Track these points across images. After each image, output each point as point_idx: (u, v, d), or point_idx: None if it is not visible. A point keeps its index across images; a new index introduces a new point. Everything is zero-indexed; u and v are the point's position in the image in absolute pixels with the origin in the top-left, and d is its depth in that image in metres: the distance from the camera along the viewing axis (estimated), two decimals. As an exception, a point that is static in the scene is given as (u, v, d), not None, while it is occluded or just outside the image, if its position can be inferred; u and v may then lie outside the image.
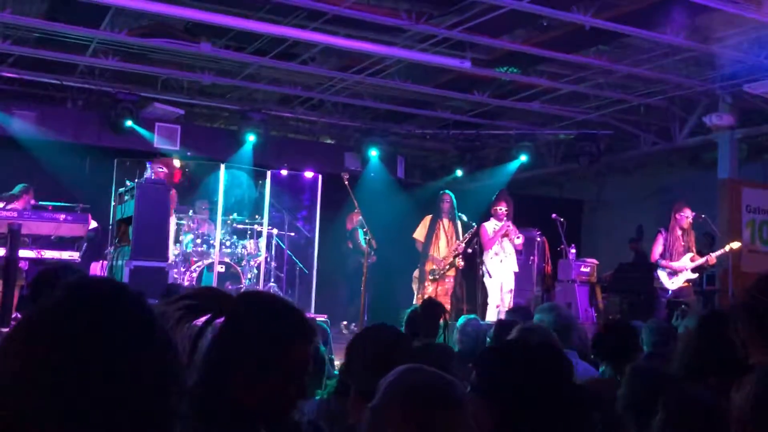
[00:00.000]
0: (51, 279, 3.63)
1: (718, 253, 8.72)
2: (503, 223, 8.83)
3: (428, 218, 9.20)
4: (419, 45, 8.72)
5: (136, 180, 8.60)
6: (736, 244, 8.79)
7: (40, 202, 9.30)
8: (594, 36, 8.10)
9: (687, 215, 8.61)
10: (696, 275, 8.73)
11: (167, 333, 1.06)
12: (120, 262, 8.27)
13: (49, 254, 8.34)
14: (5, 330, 5.22)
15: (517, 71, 9.78)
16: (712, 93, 10.00)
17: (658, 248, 8.72)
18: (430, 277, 8.81)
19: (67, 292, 1.01)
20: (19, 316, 6.61)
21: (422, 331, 4.26)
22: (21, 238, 8.15)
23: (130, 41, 8.96)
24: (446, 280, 8.92)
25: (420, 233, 9.17)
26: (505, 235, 8.82)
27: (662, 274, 8.70)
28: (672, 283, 8.64)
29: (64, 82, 10.59)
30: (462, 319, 5.07)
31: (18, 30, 8.99)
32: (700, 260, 8.60)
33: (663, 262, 8.64)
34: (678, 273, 8.59)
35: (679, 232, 8.62)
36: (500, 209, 8.89)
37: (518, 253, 9.05)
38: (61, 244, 8.68)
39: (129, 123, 10.59)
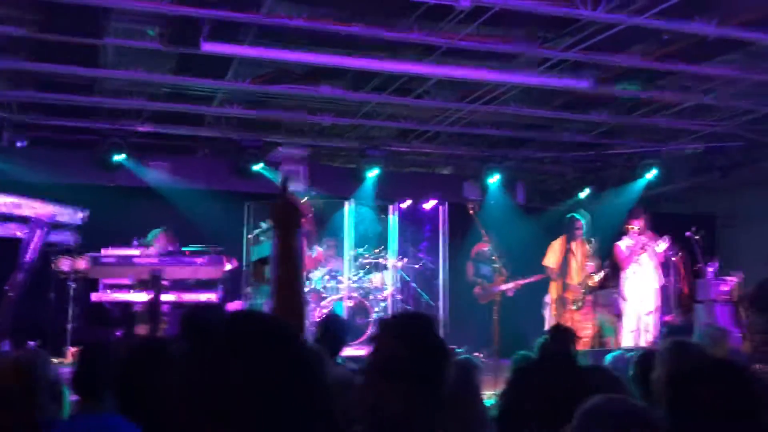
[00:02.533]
0: (199, 319, 3.80)
1: None
2: (637, 239, 8.57)
3: (557, 244, 9.03)
4: (535, 69, 8.66)
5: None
6: None
7: (175, 247, 9.77)
8: (717, 46, 7.80)
9: None
10: None
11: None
12: (259, 301, 8.53)
13: (188, 297, 8.74)
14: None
15: (637, 88, 9.53)
16: None
17: None
18: (573, 307, 8.60)
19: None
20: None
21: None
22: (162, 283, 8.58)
23: (253, 89, 9.36)
24: (585, 305, 8.72)
25: (551, 260, 9.01)
26: (643, 249, 8.52)
27: None
28: None
29: (194, 132, 11.15)
30: (610, 356, 4.88)
31: (150, 86, 9.57)
32: None
33: None
34: None
35: None
36: (632, 227, 8.62)
37: (664, 267, 8.71)
38: (199, 286, 9.07)
39: (256, 167, 11.01)
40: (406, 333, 2.08)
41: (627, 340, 8.17)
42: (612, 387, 2.91)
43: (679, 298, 9.79)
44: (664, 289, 9.54)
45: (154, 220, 10.46)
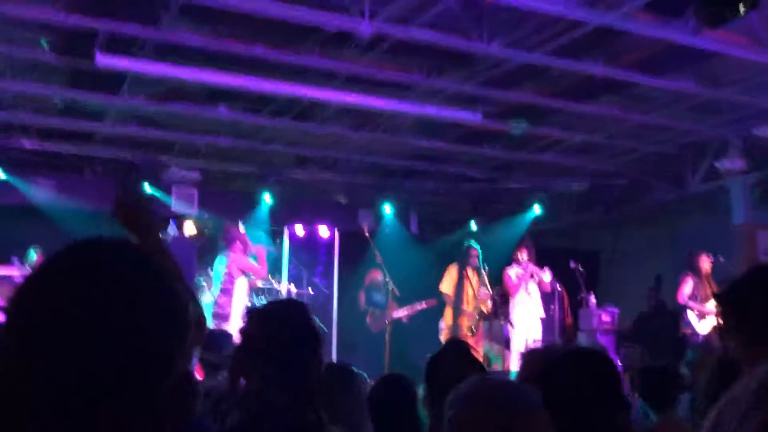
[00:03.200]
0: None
1: None
2: (525, 268, 8.86)
3: (453, 270, 9.21)
4: (431, 100, 8.88)
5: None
6: None
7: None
8: (604, 85, 8.23)
9: (708, 260, 8.74)
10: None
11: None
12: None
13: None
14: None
15: (527, 124, 9.90)
16: (722, 138, 10.09)
17: (686, 289, 8.80)
18: (469, 333, 8.77)
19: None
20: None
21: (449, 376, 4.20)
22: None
23: (147, 107, 9.16)
24: (478, 331, 8.91)
25: (447, 286, 9.18)
26: (531, 277, 8.82)
27: (692, 317, 8.72)
28: (702, 327, 8.67)
29: (83, 152, 10.78)
30: None
31: (38, 101, 9.21)
32: None
33: (692, 304, 8.69)
34: (706, 316, 8.61)
35: (704, 278, 8.73)
36: (521, 256, 8.92)
37: (546, 297, 9.03)
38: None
39: (147, 188, 10.74)
40: (276, 316, 2.09)
41: (516, 365, 8.38)
42: None
43: (563, 327, 10.15)
44: (548, 319, 9.88)
45: (37, 240, 10.01)
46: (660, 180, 12.03)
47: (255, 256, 9.43)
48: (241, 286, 9.00)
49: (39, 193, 10.74)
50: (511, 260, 9.13)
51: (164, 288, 0.96)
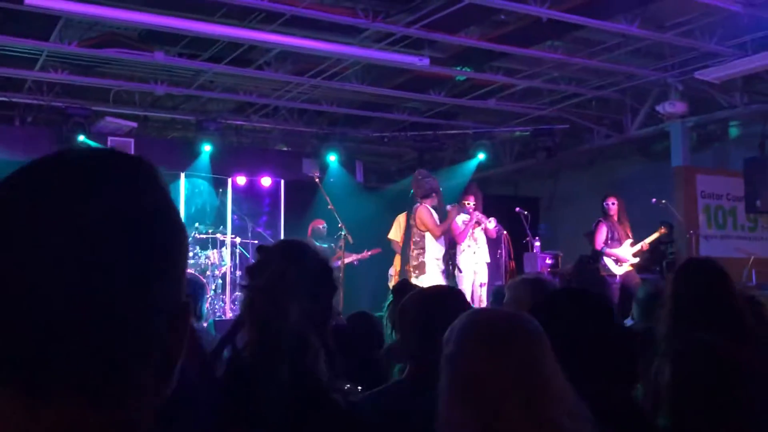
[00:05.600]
0: None
1: (650, 239, 9.22)
2: (472, 214, 8.88)
3: (402, 218, 9.16)
4: (377, 45, 8.72)
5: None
6: (662, 229, 9.41)
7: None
8: (549, 29, 8.18)
9: (613, 203, 9.06)
10: (637, 260, 9.14)
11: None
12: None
13: None
14: None
15: (471, 69, 9.84)
16: (663, 82, 10.20)
17: (601, 236, 9.13)
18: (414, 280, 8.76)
19: None
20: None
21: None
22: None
23: (80, 53, 8.77)
24: None
25: (395, 234, 9.13)
26: (477, 223, 8.85)
27: (609, 261, 9.06)
28: (619, 269, 9.00)
29: (13, 98, 10.30)
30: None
31: (-39, 45, 8.74)
32: (636, 247, 9.10)
33: (607, 250, 9.01)
34: (622, 260, 8.96)
35: (616, 222, 9.03)
36: (468, 203, 8.92)
37: (492, 243, 9.10)
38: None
39: (81, 138, 10.34)
40: (295, 254, 2.02)
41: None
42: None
43: (507, 271, 10.26)
44: (494, 263, 9.96)
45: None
46: (600, 125, 12.17)
47: None
48: None
49: (-34, 144, 10.23)
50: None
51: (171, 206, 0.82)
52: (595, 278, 10.71)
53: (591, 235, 12.54)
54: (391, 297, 3.93)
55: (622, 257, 9.04)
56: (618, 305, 9.06)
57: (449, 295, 2.60)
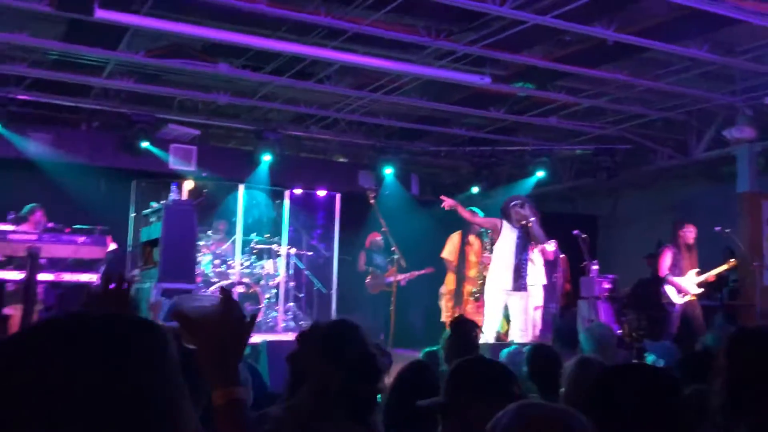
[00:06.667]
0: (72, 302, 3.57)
1: (717, 270, 9.04)
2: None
3: (455, 236, 9.10)
4: (437, 62, 8.68)
5: (163, 201, 8.50)
6: (732, 262, 9.23)
7: (57, 224, 9.25)
8: (615, 51, 8.03)
9: (691, 231, 8.84)
10: (701, 290, 8.95)
11: None
12: (147, 285, 8.17)
13: (67, 277, 8.27)
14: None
15: (533, 87, 9.72)
16: (731, 106, 9.93)
17: (665, 263, 8.90)
18: (471, 299, 8.67)
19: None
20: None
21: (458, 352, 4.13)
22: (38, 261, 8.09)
23: (146, 62, 8.94)
24: (481, 297, 8.81)
25: (449, 252, 9.07)
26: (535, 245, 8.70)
27: (670, 290, 8.87)
28: (680, 299, 8.79)
29: (80, 104, 10.56)
30: (505, 352, 4.94)
31: (34, 52, 8.98)
32: (701, 277, 8.91)
33: (671, 278, 8.81)
34: (682, 292, 8.75)
35: (684, 249, 8.79)
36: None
37: (549, 264, 8.93)
38: (80, 266, 8.62)
39: (145, 144, 10.55)
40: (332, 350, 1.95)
41: (515, 334, 8.26)
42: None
43: (563, 294, 10.11)
44: (550, 285, 9.81)
45: (32, 195, 9.85)
46: (664, 146, 11.90)
47: None
48: None
49: (34, 146, 10.53)
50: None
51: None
52: (653, 304, 10.47)
53: (654, 259, 12.33)
54: (449, 332, 3.89)
55: (685, 289, 8.82)
56: (677, 334, 8.86)
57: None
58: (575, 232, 9.63)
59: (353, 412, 1.81)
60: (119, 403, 0.81)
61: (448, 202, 7.69)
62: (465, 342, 3.86)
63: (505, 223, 7.82)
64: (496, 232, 7.83)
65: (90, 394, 0.80)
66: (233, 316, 1.58)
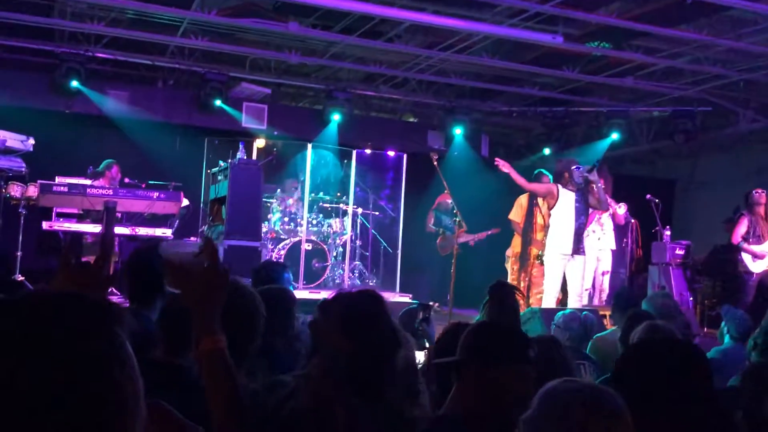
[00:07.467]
0: (148, 257, 3.69)
1: None
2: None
3: (524, 199, 8.98)
4: (508, 20, 8.51)
5: (230, 160, 8.67)
6: None
7: (132, 180, 9.56)
8: (694, 9, 7.72)
9: (762, 196, 8.56)
10: None
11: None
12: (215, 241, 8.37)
13: (142, 231, 8.58)
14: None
15: (609, 46, 9.44)
16: (821, 66, 9.44)
17: (740, 230, 8.69)
18: (538, 262, 8.51)
19: None
20: (115, 292, 6.80)
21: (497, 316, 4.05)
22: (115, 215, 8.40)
23: (219, 21, 9.05)
24: None
25: (517, 214, 8.98)
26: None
27: (746, 257, 8.61)
28: (756, 266, 8.52)
29: (156, 62, 10.79)
30: (560, 315, 4.87)
31: (111, 11, 9.20)
32: None
33: (745, 246, 8.56)
34: (758, 258, 8.45)
35: (761, 216, 8.51)
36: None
37: (619, 229, 8.75)
38: (154, 221, 8.91)
39: (218, 103, 10.72)
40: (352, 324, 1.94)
41: (572, 299, 8.10)
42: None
43: (633, 260, 9.90)
44: (620, 251, 9.63)
45: (109, 150, 10.18)
46: (746, 108, 11.43)
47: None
48: None
49: (112, 103, 10.84)
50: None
51: None
52: (728, 271, 10.17)
53: (731, 225, 11.95)
54: (487, 297, 3.85)
55: (762, 254, 8.53)
56: (752, 304, 8.57)
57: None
58: (648, 196, 9.42)
59: (361, 389, 1.82)
60: (64, 392, 0.85)
61: (502, 165, 7.57)
62: (503, 306, 3.79)
63: (561, 187, 7.66)
64: (553, 197, 7.67)
65: (33, 385, 0.84)
66: (213, 266, 1.65)
